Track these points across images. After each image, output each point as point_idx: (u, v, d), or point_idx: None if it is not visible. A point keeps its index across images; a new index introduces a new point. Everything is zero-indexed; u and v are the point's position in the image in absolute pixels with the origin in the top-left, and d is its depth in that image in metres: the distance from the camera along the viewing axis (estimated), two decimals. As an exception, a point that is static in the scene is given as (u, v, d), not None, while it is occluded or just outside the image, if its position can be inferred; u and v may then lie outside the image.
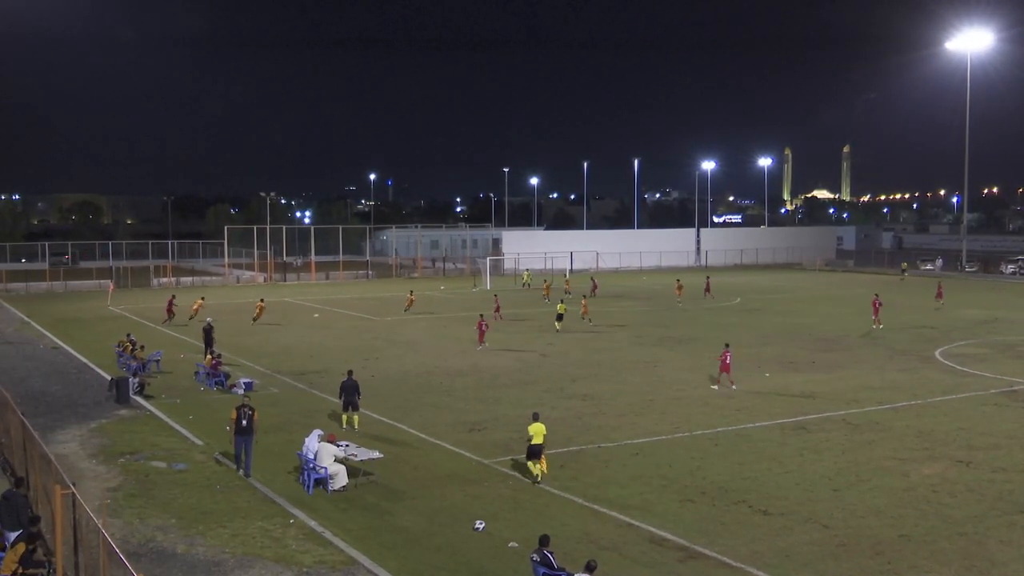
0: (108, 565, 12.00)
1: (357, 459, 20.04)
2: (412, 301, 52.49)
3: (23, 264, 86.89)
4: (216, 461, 21.70)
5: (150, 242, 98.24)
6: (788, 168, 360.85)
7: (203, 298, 49.54)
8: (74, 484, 14.72)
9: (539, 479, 19.95)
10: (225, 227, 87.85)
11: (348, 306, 56.80)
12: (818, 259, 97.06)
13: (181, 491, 19.41)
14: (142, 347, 33.43)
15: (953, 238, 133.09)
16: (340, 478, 19.47)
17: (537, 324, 47.01)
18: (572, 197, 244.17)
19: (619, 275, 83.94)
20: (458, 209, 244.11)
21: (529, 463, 20.16)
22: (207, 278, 78.53)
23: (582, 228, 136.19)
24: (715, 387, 30.10)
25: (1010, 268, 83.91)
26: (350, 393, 24.57)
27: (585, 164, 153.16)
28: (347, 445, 20.63)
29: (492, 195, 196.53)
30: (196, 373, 31.86)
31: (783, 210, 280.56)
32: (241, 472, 20.43)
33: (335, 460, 19.59)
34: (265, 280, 77.18)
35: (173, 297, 48.61)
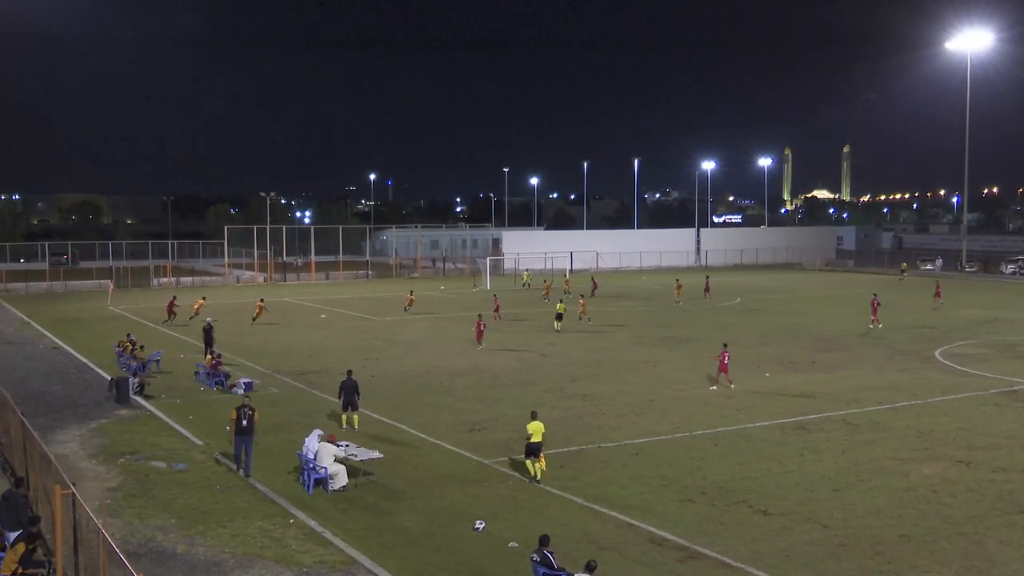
0: (108, 565, 12.00)
1: (357, 459, 20.04)
2: (412, 301, 52.51)
3: (23, 264, 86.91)
4: (216, 461, 21.69)
5: (150, 242, 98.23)
6: (788, 168, 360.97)
7: (204, 297, 49.59)
8: (74, 484, 14.72)
9: (537, 478, 19.97)
10: (225, 227, 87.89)
11: (348, 306, 56.80)
12: (818, 259, 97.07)
13: (181, 491, 19.41)
14: (142, 347, 33.43)
15: (953, 238, 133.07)
16: (340, 478, 19.47)
17: (537, 324, 47.01)
18: (572, 197, 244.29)
19: (619, 275, 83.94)
20: (458, 209, 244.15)
21: (527, 462, 20.17)
22: (207, 278, 78.53)
23: (582, 228, 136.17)
24: (714, 387, 30.11)
25: (1010, 268, 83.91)
26: (349, 393, 24.56)
27: (585, 164, 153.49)
28: (347, 445, 20.63)
29: (492, 195, 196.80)
30: (196, 373, 31.87)
31: (783, 210, 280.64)
32: (241, 472, 20.43)
33: (335, 460, 19.59)
34: (265, 280, 77.17)
35: (174, 298, 48.61)
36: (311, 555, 15.83)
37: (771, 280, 77.99)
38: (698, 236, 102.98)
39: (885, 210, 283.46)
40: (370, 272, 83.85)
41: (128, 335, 35.12)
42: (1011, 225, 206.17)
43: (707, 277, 65.21)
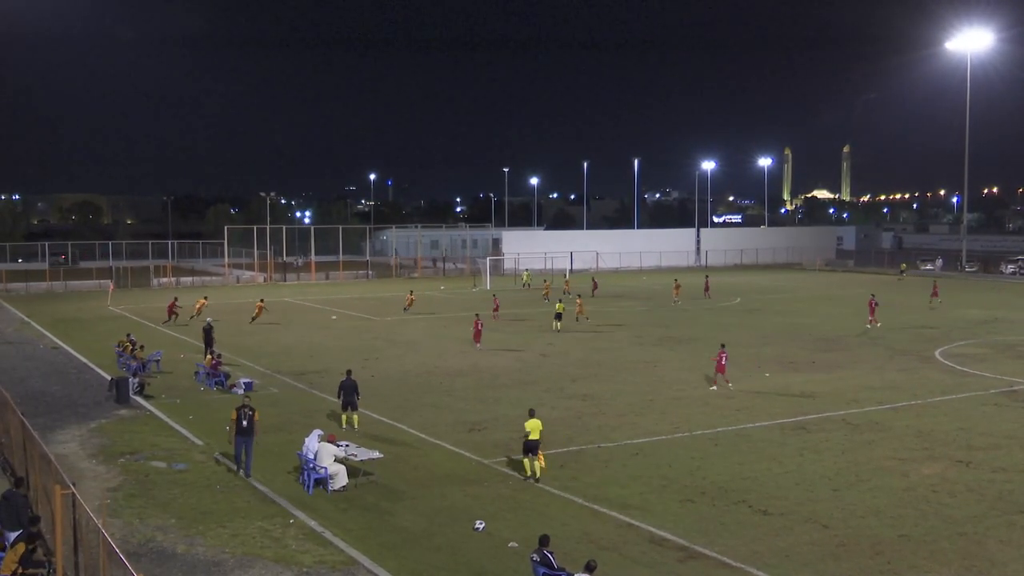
0: (108, 565, 11.99)
1: (357, 459, 20.05)
2: (412, 301, 52.51)
3: (23, 264, 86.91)
4: (216, 461, 21.70)
5: (150, 242, 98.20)
6: (788, 168, 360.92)
7: (206, 297, 49.64)
8: (74, 484, 14.73)
9: (535, 476, 19.97)
10: (225, 227, 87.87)
11: (348, 306, 56.79)
12: (818, 259, 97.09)
13: (181, 491, 19.41)
14: (142, 347, 33.43)
15: (953, 238, 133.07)
16: (340, 478, 19.48)
17: (537, 324, 47.02)
18: (572, 197, 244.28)
19: (619, 275, 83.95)
20: (458, 209, 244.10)
21: (525, 459, 20.18)
22: (207, 278, 78.53)
23: (582, 228, 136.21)
24: (714, 388, 30.11)
25: (1010, 268, 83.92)
26: (349, 393, 24.56)
27: (585, 164, 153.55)
28: (347, 445, 20.63)
29: (492, 195, 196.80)
30: (196, 373, 31.87)
31: (783, 210, 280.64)
32: (241, 472, 20.44)
33: (335, 460, 19.59)
34: (265, 280, 77.18)
35: (176, 299, 48.61)
36: (311, 555, 15.83)
37: (771, 280, 77.99)
38: (698, 236, 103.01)
39: (885, 210, 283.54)
40: (370, 272, 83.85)
41: (128, 335, 35.12)
42: (1011, 225, 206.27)
43: (707, 277, 65.24)
